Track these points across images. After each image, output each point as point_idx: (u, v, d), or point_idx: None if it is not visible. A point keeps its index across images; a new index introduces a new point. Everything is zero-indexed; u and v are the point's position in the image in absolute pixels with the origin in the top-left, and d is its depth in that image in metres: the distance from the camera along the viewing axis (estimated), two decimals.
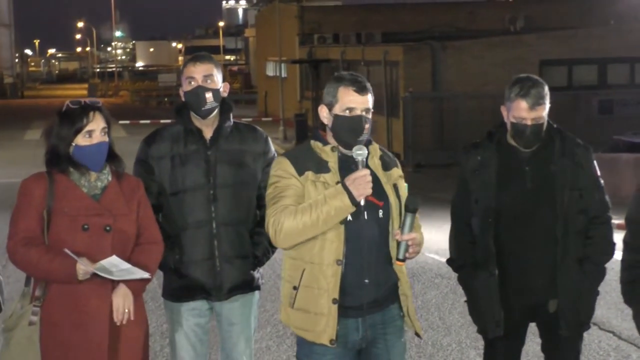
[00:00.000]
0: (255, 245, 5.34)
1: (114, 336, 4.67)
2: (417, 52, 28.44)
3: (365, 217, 4.51)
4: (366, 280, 4.52)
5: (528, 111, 4.96)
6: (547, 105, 5.02)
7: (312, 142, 4.64)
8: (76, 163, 4.66)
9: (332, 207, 4.39)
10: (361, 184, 4.36)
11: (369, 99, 4.54)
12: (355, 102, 4.50)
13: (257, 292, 5.48)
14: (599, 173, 5.14)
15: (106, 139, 4.69)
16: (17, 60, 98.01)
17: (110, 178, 4.74)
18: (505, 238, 5.04)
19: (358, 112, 4.51)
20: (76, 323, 4.61)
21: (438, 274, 10.70)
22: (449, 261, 5.33)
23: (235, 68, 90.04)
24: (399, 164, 4.76)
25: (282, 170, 4.56)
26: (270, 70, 47.30)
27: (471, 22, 38.60)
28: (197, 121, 5.28)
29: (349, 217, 4.46)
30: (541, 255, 5.03)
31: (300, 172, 4.52)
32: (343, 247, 4.47)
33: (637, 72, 29.11)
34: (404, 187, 4.67)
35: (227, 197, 5.26)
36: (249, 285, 5.39)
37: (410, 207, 4.45)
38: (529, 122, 4.97)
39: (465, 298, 5.34)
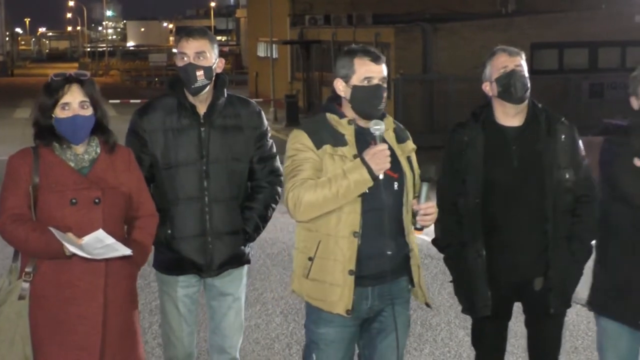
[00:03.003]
0: (245, 221, 5.33)
1: (108, 312, 4.67)
2: (409, 34, 28.39)
3: (382, 189, 4.54)
4: (383, 252, 4.59)
5: (508, 58, 5.10)
6: (524, 61, 5.14)
7: (328, 115, 4.67)
8: (59, 136, 4.65)
9: (351, 181, 4.44)
10: (380, 158, 4.43)
11: (384, 68, 4.61)
12: (373, 71, 4.58)
13: (246, 266, 5.51)
14: (583, 153, 5.17)
15: (85, 112, 4.65)
16: (7, 38, 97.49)
17: (99, 151, 4.73)
18: (493, 217, 5.07)
19: (376, 81, 4.58)
20: (68, 298, 4.61)
21: (427, 254, 10.71)
22: (434, 241, 5.34)
23: (226, 49, 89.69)
24: (410, 138, 4.82)
25: (300, 143, 4.60)
26: (261, 51, 47.13)
27: (463, 4, 38.52)
28: (190, 96, 5.25)
29: (366, 190, 4.51)
30: (528, 234, 5.05)
31: (318, 146, 4.57)
32: (360, 219, 4.52)
33: (628, 55, 29.11)
34: (415, 159, 4.75)
35: (219, 173, 5.25)
36: (239, 260, 5.40)
37: (426, 176, 4.52)
38: (512, 67, 5.06)
39: (451, 278, 5.37)
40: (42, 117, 4.67)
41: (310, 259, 4.63)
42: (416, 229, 4.59)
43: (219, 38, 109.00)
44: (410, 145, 4.74)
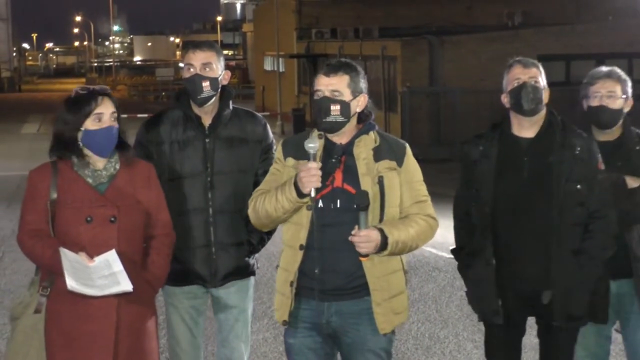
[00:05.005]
0: (250, 233, 5.35)
1: (120, 330, 4.65)
2: (415, 47, 28.40)
3: (338, 205, 4.55)
4: (327, 267, 4.55)
5: (522, 70, 5.11)
6: (542, 72, 5.15)
7: (313, 128, 4.70)
8: (84, 150, 4.64)
9: (284, 197, 4.51)
10: (305, 177, 4.43)
11: (338, 80, 4.57)
12: (322, 84, 4.60)
13: (252, 278, 5.52)
14: (602, 167, 5.14)
15: (116, 124, 4.68)
16: (14, 54, 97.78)
17: (118, 167, 4.73)
18: (502, 227, 5.06)
19: (324, 94, 4.58)
20: (81, 315, 4.61)
21: (435, 267, 10.71)
22: (452, 251, 5.37)
23: (232, 63, 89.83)
24: (403, 156, 4.66)
25: (276, 156, 4.76)
26: (267, 65, 47.24)
27: (469, 17, 38.58)
28: (196, 107, 5.29)
29: (320, 204, 4.53)
30: (535, 246, 5.03)
31: (285, 158, 4.68)
32: (306, 232, 4.55)
33: (635, 67, 29.05)
34: (397, 179, 4.60)
35: (224, 184, 5.29)
36: (243, 272, 5.44)
37: (360, 205, 4.44)
38: (525, 79, 5.07)
39: (464, 289, 5.35)
40: (68, 130, 4.65)
41: (277, 267, 4.74)
42: (360, 255, 4.51)
43: (225, 52, 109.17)
44: (386, 164, 4.59)
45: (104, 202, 4.63)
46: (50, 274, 4.65)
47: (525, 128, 5.14)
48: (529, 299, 5.13)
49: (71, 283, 4.47)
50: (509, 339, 5.27)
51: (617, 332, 5.77)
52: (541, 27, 30.97)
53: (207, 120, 5.31)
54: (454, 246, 5.35)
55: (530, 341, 5.55)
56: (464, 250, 5.21)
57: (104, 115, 4.65)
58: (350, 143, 4.63)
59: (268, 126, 5.52)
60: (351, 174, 4.56)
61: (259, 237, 5.39)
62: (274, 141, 5.52)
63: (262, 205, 4.60)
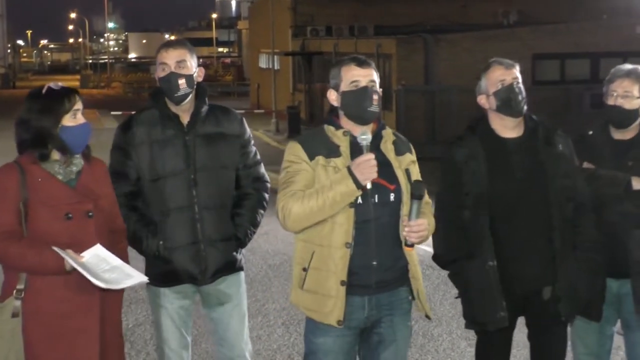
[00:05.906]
0: (236, 227, 5.36)
1: (104, 324, 4.65)
2: (410, 45, 28.39)
3: (376, 200, 4.57)
4: (374, 263, 4.58)
5: (505, 71, 5.10)
6: (519, 73, 5.14)
7: (326, 126, 4.70)
8: (60, 146, 4.60)
9: (337, 192, 4.45)
10: (365, 168, 4.41)
11: (372, 72, 4.64)
12: (359, 75, 4.61)
13: (241, 272, 5.52)
14: (577, 163, 5.20)
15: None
16: (9, 50, 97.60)
17: (82, 162, 4.71)
18: (499, 228, 5.02)
19: (363, 84, 4.59)
20: (65, 313, 4.57)
21: (429, 265, 10.66)
22: (435, 258, 5.27)
23: (228, 60, 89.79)
24: (412, 150, 4.80)
25: (293, 155, 4.63)
26: (263, 63, 47.19)
27: (464, 15, 38.57)
28: (173, 106, 5.29)
29: (359, 200, 4.53)
30: (535, 244, 5.03)
31: (311, 157, 4.60)
32: (352, 230, 4.53)
33: None
34: (416, 172, 4.73)
35: (207, 180, 5.29)
36: (232, 267, 5.43)
37: (416, 194, 4.50)
38: (510, 80, 5.07)
39: (456, 293, 5.30)
40: (50, 127, 4.58)
41: (305, 269, 4.64)
42: (406, 245, 4.56)
43: (220, 50, 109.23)
44: (409, 157, 4.73)
45: (79, 198, 4.61)
46: (22, 277, 4.55)
47: (509, 129, 5.14)
48: (527, 297, 5.12)
49: (95, 281, 4.41)
50: (504, 339, 5.25)
51: (619, 335, 5.76)
52: (536, 25, 30.96)
53: (185, 119, 5.31)
54: (434, 254, 5.27)
55: (523, 339, 5.54)
56: (458, 256, 5.11)
57: (79, 111, 4.65)
58: (375, 138, 4.66)
59: (244, 121, 5.52)
60: (382, 168, 4.57)
61: (245, 231, 5.39)
62: (251, 135, 5.53)
63: (306, 204, 4.48)
